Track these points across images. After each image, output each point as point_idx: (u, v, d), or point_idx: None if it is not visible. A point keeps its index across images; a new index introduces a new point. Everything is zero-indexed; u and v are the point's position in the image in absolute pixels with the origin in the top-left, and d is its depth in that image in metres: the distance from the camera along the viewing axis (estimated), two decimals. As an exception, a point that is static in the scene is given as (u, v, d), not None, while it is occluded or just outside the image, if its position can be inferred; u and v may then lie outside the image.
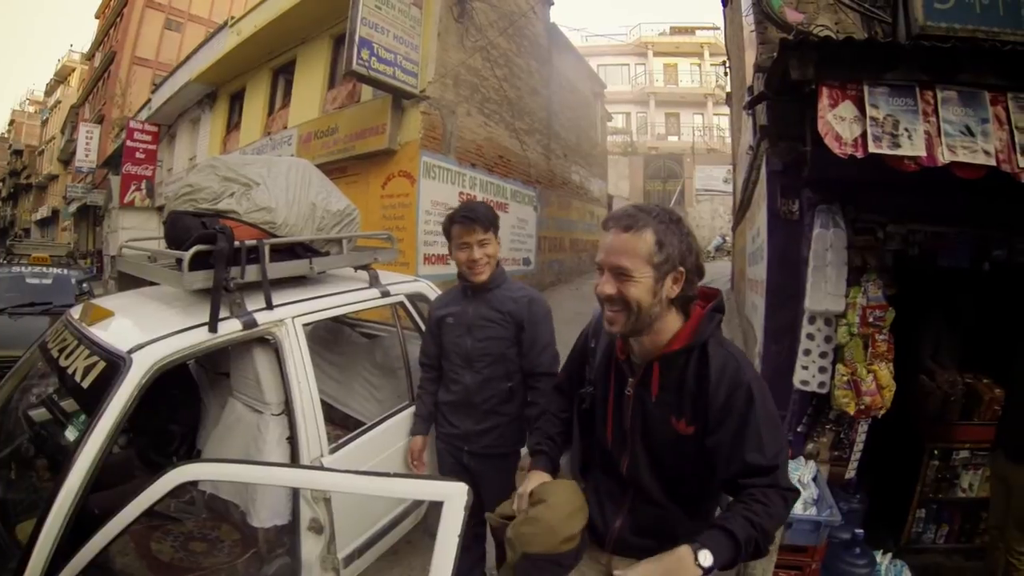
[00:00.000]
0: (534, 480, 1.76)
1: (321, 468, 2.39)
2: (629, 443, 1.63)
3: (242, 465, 1.78)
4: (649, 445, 1.59)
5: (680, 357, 1.53)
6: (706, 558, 1.28)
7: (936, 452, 3.66)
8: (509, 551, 1.61)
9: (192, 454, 3.26)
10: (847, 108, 2.66)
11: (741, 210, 7.97)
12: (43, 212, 38.57)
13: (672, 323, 1.55)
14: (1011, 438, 3.15)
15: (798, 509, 2.99)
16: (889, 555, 3.17)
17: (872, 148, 2.58)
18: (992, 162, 2.58)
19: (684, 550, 1.31)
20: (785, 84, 2.89)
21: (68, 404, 2.73)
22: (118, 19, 27.40)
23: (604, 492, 1.74)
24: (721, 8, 10.21)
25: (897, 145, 2.59)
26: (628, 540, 1.67)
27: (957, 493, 3.70)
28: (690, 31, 31.92)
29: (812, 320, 3.31)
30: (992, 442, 3.32)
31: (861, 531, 3.10)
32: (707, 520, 1.67)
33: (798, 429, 3.47)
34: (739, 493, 1.45)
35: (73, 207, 27.32)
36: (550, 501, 1.65)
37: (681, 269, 1.49)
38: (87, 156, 23.32)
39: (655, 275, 1.46)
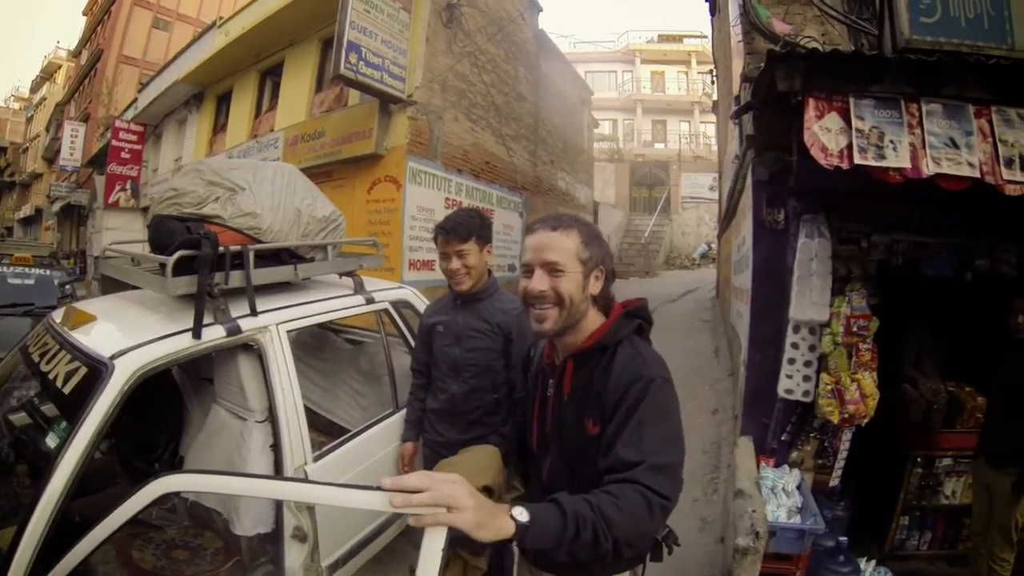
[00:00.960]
0: None
1: (304, 480, 2.38)
2: (550, 447, 1.64)
3: (225, 476, 1.76)
4: (564, 449, 1.59)
5: (593, 356, 1.55)
6: (521, 513, 1.15)
7: (919, 460, 3.70)
8: None
9: (175, 460, 3.23)
10: (833, 119, 2.68)
11: (727, 218, 8.00)
12: (26, 211, 38.17)
13: (592, 323, 1.58)
14: (993, 445, 3.20)
15: (783, 518, 3.01)
16: (873, 562, 3.19)
17: (857, 159, 2.60)
18: (976, 174, 2.61)
19: (506, 505, 1.19)
20: (772, 94, 2.90)
21: (49, 409, 2.70)
22: (106, 16, 27.20)
23: (529, 501, 1.69)
24: (709, 17, 10.28)
25: (882, 157, 2.61)
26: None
27: (940, 500, 3.74)
28: (678, 39, 32.00)
29: (797, 329, 3.33)
30: (975, 449, 3.37)
31: (845, 538, 3.12)
32: None
33: (782, 437, 3.49)
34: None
35: (57, 206, 27.05)
36: (465, 455, 1.74)
37: (602, 268, 1.56)
38: (72, 155, 23.08)
39: (583, 270, 1.52)
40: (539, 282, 1.50)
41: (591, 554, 1.21)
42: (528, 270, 1.55)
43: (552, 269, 1.50)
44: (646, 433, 1.36)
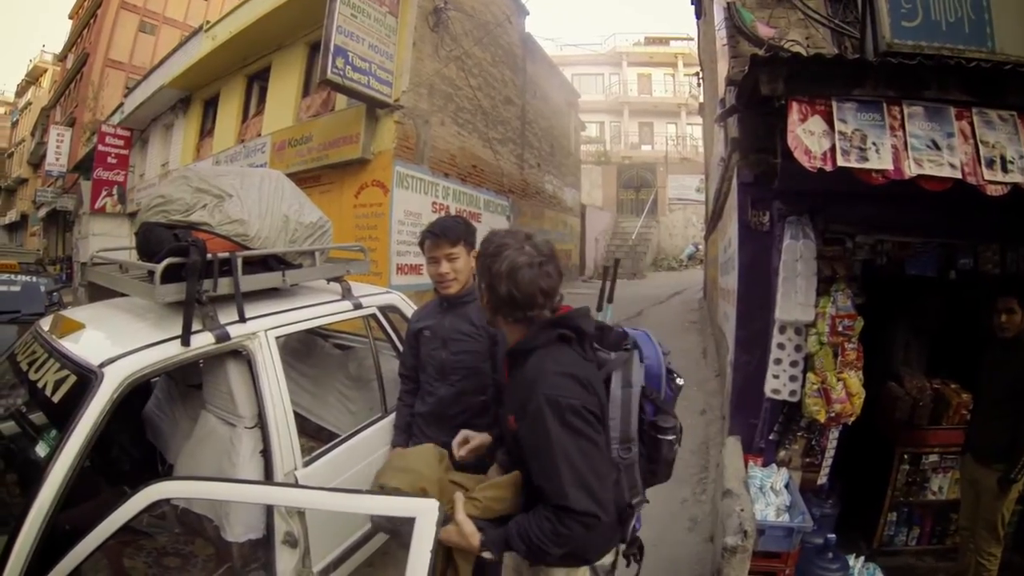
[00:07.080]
0: None
1: (294, 485, 2.38)
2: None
3: (215, 482, 1.76)
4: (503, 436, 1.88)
5: (517, 358, 1.73)
6: (486, 554, 1.60)
7: (906, 456, 3.74)
8: None
9: (164, 468, 3.22)
10: (816, 122, 2.71)
11: (713, 220, 8.04)
12: (12, 216, 37.90)
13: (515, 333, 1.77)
14: (979, 442, 3.23)
15: (771, 516, 3.04)
16: (862, 558, 3.22)
17: (840, 161, 2.64)
18: (958, 175, 2.64)
19: (477, 539, 1.59)
20: (755, 98, 2.93)
21: (38, 418, 2.68)
22: (92, 20, 27.00)
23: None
24: (695, 20, 10.33)
25: (865, 159, 2.65)
26: None
27: (927, 496, 3.77)
28: (664, 42, 32.16)
29: (782, 330, 3.35)
30: (961, 446, 3.40)
31: (833, 536, 3.15)
32: None
33: (770, 437, 3.51)
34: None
35: (43, 212, 26.86)
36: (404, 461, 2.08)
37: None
38: (57, 160, 22.91)
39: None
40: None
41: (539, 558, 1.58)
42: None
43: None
44: (561, 464, 1.51)
